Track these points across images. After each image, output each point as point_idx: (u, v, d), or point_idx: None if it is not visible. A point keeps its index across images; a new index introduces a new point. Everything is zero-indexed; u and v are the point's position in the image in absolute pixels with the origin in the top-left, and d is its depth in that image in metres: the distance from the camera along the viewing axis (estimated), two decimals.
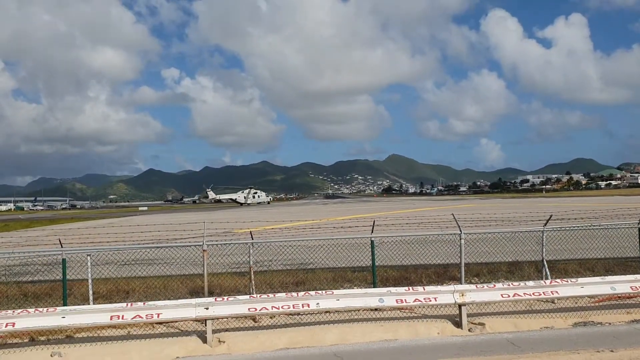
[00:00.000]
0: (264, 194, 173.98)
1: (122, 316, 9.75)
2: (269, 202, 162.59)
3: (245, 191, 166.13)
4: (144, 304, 10.06)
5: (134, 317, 9.78)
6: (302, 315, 11.20)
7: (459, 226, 12.07)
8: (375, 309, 11.25)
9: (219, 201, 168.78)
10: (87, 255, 11.15)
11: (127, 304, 10.11)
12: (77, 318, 9.60)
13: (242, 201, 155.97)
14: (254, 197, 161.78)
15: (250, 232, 12.69)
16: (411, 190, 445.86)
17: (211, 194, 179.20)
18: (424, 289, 10.79)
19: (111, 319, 9.70)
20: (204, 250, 11.08)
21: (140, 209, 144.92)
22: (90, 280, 10.95)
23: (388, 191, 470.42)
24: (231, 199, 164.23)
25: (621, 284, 11.15)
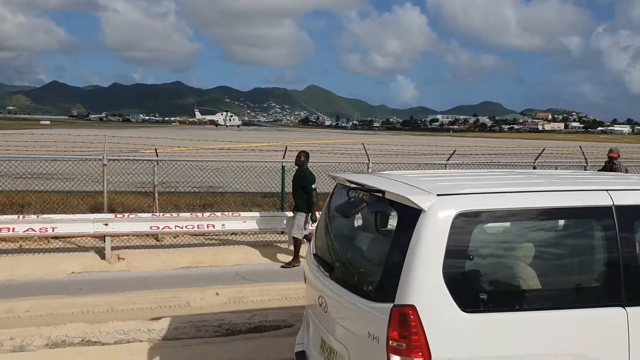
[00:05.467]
0: (236, 117, 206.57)
1: (13, 229, 9.20)
2: (238, 126, 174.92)
3: (223, 114, 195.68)
4: (37, 217, 9.54)
5: (26, 230, 9.26)
6: (207, 236, 11.12)
7: (367, 156, 12.28)
8: (282, 232, 11.40)
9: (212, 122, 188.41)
10: None
11: (19, 217, 9.55)
12: None
13: (222, 123, 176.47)
14: (230, 119, 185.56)
15: (155, 149, 12.24)
16: (327, 123, 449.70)
17: (198, 114, 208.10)
18: None
19: (0, 231, 9.14)
20: (104, 165, 10.59)
21: (42, 122, 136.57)
22: None
23: (305, 122, 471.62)
24: (212, 120, 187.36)
25: None
